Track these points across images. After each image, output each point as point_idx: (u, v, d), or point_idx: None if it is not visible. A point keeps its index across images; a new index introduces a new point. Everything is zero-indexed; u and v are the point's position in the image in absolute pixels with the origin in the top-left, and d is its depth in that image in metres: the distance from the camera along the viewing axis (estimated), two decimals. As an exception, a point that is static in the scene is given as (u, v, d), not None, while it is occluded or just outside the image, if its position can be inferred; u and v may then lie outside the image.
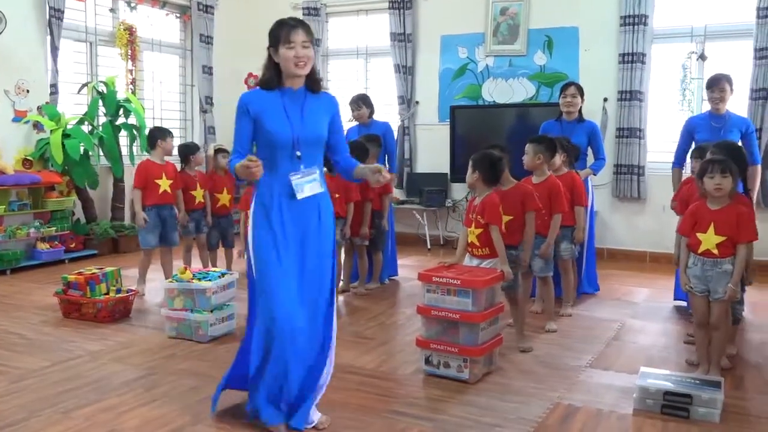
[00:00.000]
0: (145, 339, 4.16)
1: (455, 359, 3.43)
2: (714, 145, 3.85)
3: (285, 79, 2.78)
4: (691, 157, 4.34)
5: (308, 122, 2.78)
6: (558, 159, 4.63)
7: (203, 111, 8.16)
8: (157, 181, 5.20)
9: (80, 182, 6.63)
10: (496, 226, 3.71)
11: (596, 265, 5.49)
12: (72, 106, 7.00)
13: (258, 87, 2.84)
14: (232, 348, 3.95)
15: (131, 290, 4.77)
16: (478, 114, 7.35)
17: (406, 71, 7.68)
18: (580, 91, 5.29)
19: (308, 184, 2.76)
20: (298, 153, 2.75)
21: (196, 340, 4.08)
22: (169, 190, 5.25)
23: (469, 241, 3.83)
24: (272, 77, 2.78)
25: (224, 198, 5.74)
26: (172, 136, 5.41)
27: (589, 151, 5.39)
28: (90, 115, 6.86)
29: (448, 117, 7.33)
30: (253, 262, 2.81)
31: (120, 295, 4.62)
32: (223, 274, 4.31)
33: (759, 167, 5.02)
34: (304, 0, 8.09)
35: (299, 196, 2.74)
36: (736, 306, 3.81)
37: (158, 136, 5.32)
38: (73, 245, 6.61)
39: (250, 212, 2.83)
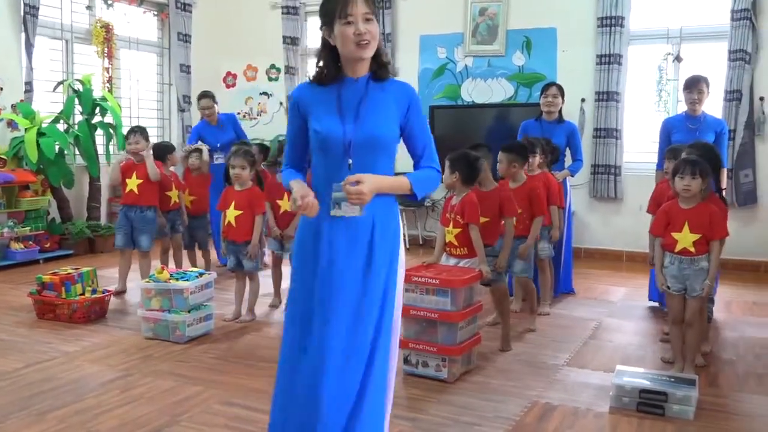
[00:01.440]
0: (121, 340, 4.12)
1: (434, 358, 3.44)
2: (689, 146, 3.90)
3: (344, 65, 2.19)
4: (665, 158, 4.39)
5: (364, 119, 2.16)
6: (537, 160, 4.67)
7: (181, 110, 8.10)
8: (126, 180, 5.13)
9: (55, 181, 6.54)
10: (475, 226, 3.73)
11: (572, 265, 5.52)
12: (47, 104, 6.90)
13: (309, 81, 2.26)
14: (210, 349, 3.95)
15: (107, 291, 4.72)
16: (457, 114, 7.38)
17: (385, 71, 7.66)
18: (561, 91, 5.32)
19: (346, 203, 2.11)
20: (350, 161, 2.15)
21: (173, 340, 4.04)
22: (136, 190, 5.10)
23: (447, 240, 3.84)
24: (328, 67, 2.19)
25: (187, 199, 5.63)
26: (136, 133, 5.19)
27: (567, 151, 5.43)
28: (66, 114, 6.78)
29: (428, 117, 7.35)
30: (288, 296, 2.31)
31: (96, 295, 4.57)
32: (201, 274, 4.28)
33: (725, 170, 5.08)
34: (283, -1, 8.06)
35: (331, 212, 2.14)
36: (708, 305, 3.86)
37: (126, 136, 5.29)
38: (47, 245, 6.52)
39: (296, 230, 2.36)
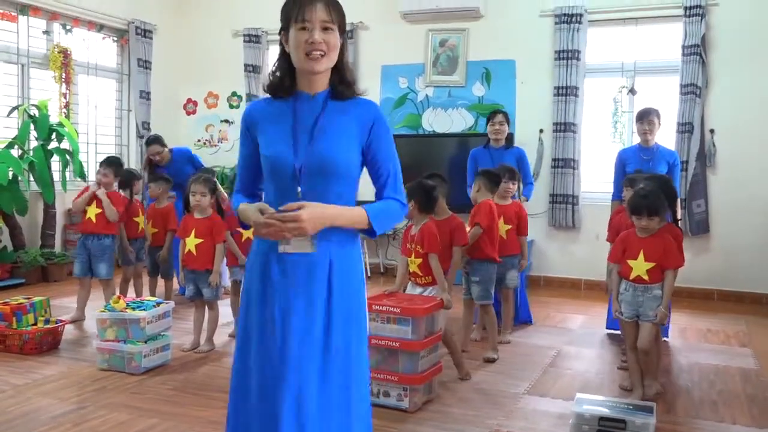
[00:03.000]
0: (74, 372, 4.01)
1: (395, 388, 3.42)
2: (645, 178, 3.99)
3: (299, 79, 1.96)
4: (623, 186, 4.49)
5: (319, 142, 1.91)
6: (514, 188, 4.76)
7: (140, 136, 8.00)
8: (86, 207, 5.11)
9: (8, 208, 6.38)
10: (435, 255, 3.76)
11: (528, 294, 5.57)
12: (1, 129, 6.76)
13: (266, 95, 2.04)
14: (167, 380, 3.86)
15: (61, 321, 4.59)
16: (418, 143, 7.44)
17: (347, 100, 7.70)
18: (507, 118, 5.44)
19: (296, 236, 1.87)
20: (299, 188, 1.90)
21: (128, 372, 3.95)
22: (93, 219, 5.08)
23: (411, 270, 3.86)
24: (284, 76, 1.96)
25: (149, 230, 5.55)
26: (107, 166, 5.20)
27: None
28: (20, 139, 6.64)
29: (389, 145, 7.37)
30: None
31: (48, 326, 4.44)
32: (158, 303, 4.20)
33: (678, 200, 5.22)
34: (245, 27, 8.08)
35: (280, 249, 1.90)
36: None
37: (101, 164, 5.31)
38: (-2, 273, 6.34)
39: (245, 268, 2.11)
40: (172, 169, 6.06)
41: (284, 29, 1.94)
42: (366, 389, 2.04)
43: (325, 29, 1.88)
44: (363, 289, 2.04)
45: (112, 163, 5.28)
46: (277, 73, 1.98)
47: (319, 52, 1.87)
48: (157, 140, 6.18)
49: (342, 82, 1.97)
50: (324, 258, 1.93)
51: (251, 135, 2.01)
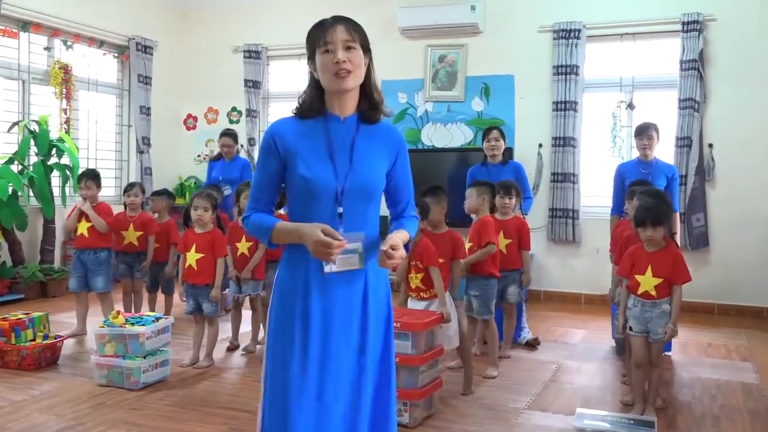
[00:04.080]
0: (73, 387, 3.99)
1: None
2: (642, 192, 3.99)
3: (329, 102, 2.05)
4: (626, 200, 4.50)
5: (358, 166, 2.02)
6: (513, 202, 4.77)
7: (140, 152, 8.03)
8: (78, 224, 5.16)
9: (8, 224, 6.38)
10: (436, 268, 3.75)
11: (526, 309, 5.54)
12: (1, 144, 6.77)
13: (293, 114, 2.09)
14: (166, 396, 3.85)
15: (59, 336, 4.58)
16: (417, 158, 7.41)
17: (346, 115, 7.73)
18: (503, 134, 5.44)
19: (343, 255, 1.96)
20: (340, 209, 2.00)
21: (127, 387, 3.93)
22: (86, 233, 5.12)
23: (414, 286, 3.85)
24: (313, 99, 2.04)
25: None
26: (87, 179, 5.20)
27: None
28: (20, 155, 6.65)
29: (389, 160, 7.40)
30: (264, 365, 2.09)
31: (47, 341, 4.43)
32: (157, 319, 4.19)
33: (677, 215, 5.22)
34: (245, 43, 8.12)
35: (326, 269, 1.98)
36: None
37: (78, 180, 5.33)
38: (-3, 289, 6.33)
39: (273, 288, 2.12)
40: (230, 167, 6.47)
41: (311, 57, 2.05)
42: (394, 403, 2.15)
43: (348, 48, 1.98)
44: (391, 304, 2.17)
45: (92, 175, 5.31)
46: (306, 97, 2.07)
47: (344, 70, 1.96)
48: (232, 134, 6.57)
49: (371, 107, 2.07)
50: (361, 272, 2.04)
51: (279, 153, 2.03)
